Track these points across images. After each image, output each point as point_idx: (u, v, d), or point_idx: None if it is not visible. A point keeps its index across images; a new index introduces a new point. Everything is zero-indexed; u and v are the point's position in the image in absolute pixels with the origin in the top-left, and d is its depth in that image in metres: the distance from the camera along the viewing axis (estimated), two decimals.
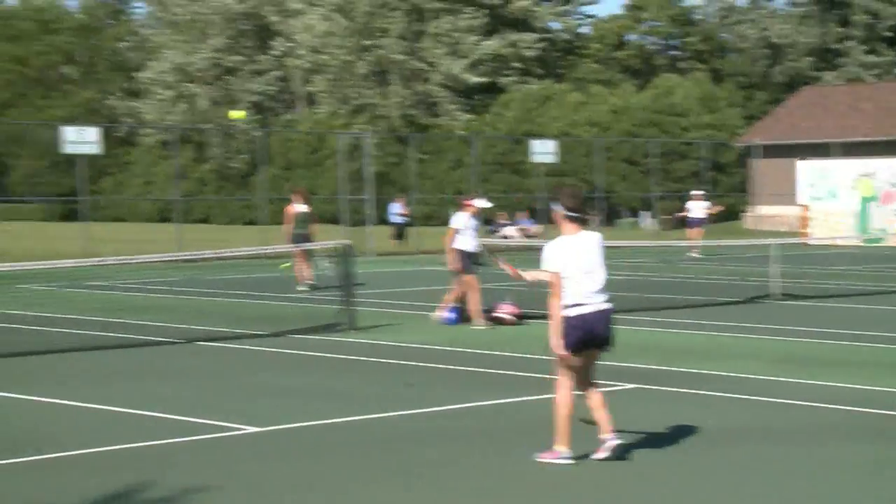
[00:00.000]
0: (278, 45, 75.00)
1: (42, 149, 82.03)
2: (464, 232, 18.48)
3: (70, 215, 74.04)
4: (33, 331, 18.59)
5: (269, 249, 27.13)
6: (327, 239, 25.53)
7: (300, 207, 24.94)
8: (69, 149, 36.20)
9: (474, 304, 18.22)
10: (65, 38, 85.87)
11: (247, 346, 16.57)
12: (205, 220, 70.50)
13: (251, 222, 59.02)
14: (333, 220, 46.85)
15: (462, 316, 18.42)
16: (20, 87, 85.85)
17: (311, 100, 76.24)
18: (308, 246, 23.46)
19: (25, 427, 11.12)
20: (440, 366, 14.46)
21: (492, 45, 72.21)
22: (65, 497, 8.46)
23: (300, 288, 24.42)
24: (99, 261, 21.18)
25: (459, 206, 19.24)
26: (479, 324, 18.03)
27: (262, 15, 76.77)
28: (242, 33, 78.10)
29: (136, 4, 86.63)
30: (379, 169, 56.28)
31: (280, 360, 15.25)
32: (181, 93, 76.64)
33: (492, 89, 72.04)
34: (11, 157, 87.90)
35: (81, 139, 35.91)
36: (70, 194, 74.18)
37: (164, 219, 72.54)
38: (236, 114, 20.74)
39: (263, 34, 77.28)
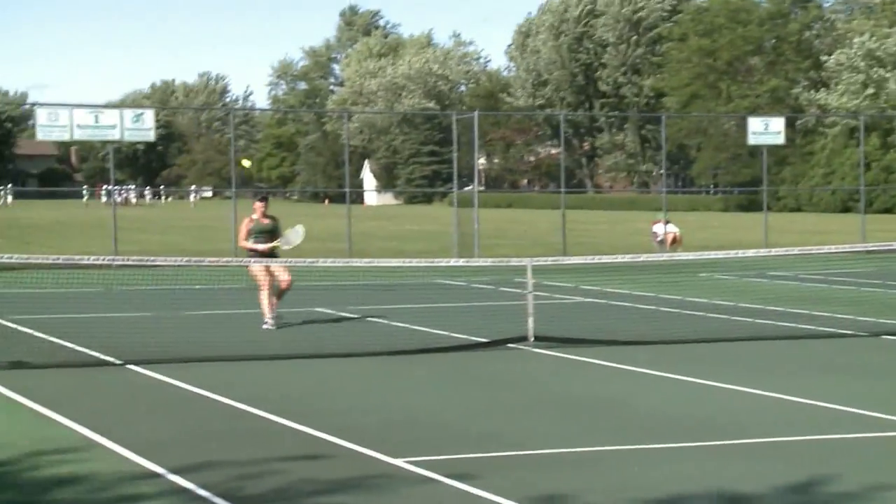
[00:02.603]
0: None
1: (725, 140, 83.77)
2: None
3: (749, 206, 74.96)
4: (716, 318, 18.99)
5: None
6: None
7: None
8: (753, 140, 36.62)
9: None
10: (753, 28, 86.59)
11: None
12: (889, 211, 68.23)
13: None
14: None
15: None
16: (709, 79, 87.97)
17: None
18: None
19: (710, 413, 11.37)
20: None
21: None
22: (744, 482, 8.53)
23: None
24: (783, 251, 21.02)
25: None
26: None
27: None
28: None
29: None
30: None
31: None
32: (870, 78, 74.71)
33: None
34: (696, 149, 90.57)
35: (766, 130, 36.15)
36: (750, 185, 75.21)
37: (846, 209, 71.07)
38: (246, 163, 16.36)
39: None
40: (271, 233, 17.85)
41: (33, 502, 8.08)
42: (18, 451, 9.46)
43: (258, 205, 18.05)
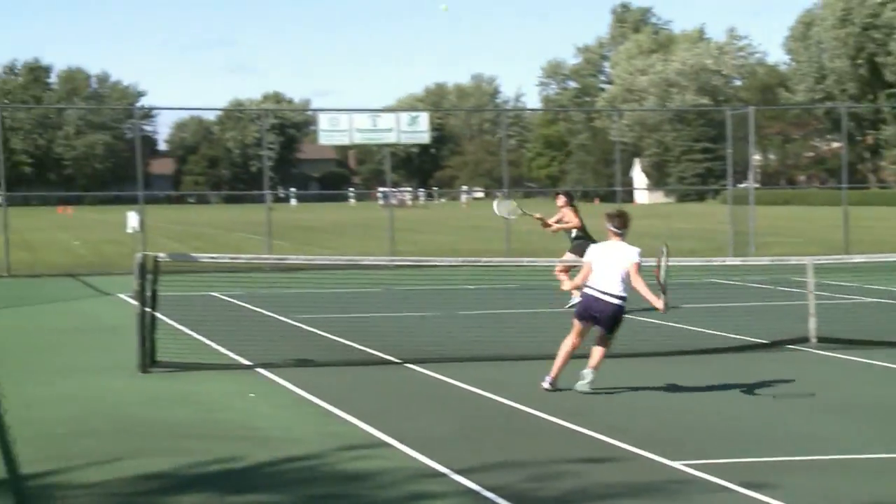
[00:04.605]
0: None
1: None
2: None
3: None
4: None
5: None
6: None
7: None
8: None
9: None
10: None
11: None
12: None
13: None
14: None
15: None
16: None
17: None
18: None
19: None
20: None
21: None
22: None
23: None
24: None
25: None
26: None
27: None
28: None
29: None
30: None
31: None
32: None
33: None
34: None
35: None
36: None
37: None
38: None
39: None
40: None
41: (330, 496, 8.37)
42: (308, 447, 9.82)
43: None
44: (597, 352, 12.11)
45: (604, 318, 11.93)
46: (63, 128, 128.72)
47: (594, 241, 18.83)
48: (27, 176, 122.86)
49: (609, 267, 11.89)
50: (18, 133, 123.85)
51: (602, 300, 11.85)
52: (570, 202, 19.47)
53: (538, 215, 19.55)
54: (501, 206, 19.91)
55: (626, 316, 18.27)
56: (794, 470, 8.90)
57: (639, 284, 11.87)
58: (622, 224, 12.06)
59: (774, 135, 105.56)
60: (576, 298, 18.90)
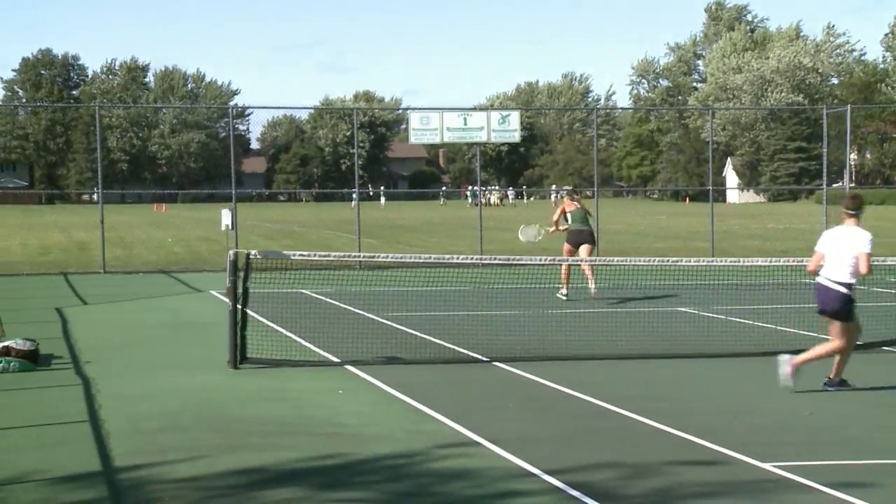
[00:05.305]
0: None
1: None
2: None
3: None
4: None
5: None
6: None
7: None
8: None
9: None
10: None
11: None
12: None
13: None
14: None
15: None
16: None
17: None
18: None
19: None
20: None
21: None
22: None
23: None
24: None
25: None
26: None
27: None
28: None
29: None
30: None
31: None
32: None
33: None
34: None
35: None
36: None
37: None
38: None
39: None
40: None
41: (418, 493, 8.40)
42: (396, 444, 9.86)
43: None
44: (820, 348, 12.15)
45: (829, 308, 11.94)
46: (158, 127, 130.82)
47: (577, 230, 21.25)
48: (123, 174, 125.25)
49: (838, 252, 11.89)
50: (115, 131, 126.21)
51: (829, 288, 11.90)
52: (572, 197, 21.99)
53: (553, 229, 21.84)
54: (526, 233, 22.06)
55: (718, 318, 18.15)
56: (889, 474, 8.73)
57: (864, 270, 11.76)
58: (856, 205, 12.03)
59: (871, 133, 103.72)
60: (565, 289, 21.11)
